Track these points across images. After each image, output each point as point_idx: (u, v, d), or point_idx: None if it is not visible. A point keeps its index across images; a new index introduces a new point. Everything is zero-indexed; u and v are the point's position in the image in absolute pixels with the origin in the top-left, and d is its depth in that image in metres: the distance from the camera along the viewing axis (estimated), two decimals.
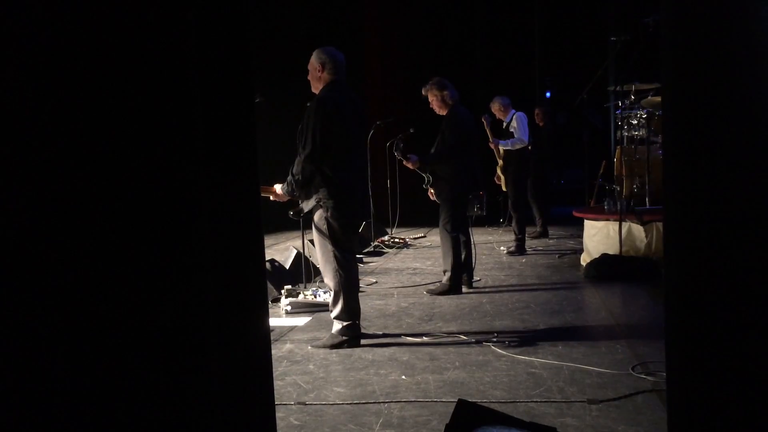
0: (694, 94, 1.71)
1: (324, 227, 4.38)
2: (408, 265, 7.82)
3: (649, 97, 7.64)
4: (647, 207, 7.36)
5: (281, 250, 7.81)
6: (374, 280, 6.85)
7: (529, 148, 8.65)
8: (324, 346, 4.42)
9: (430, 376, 3.79)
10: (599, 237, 7.15)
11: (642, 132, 7.60)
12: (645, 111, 7.55)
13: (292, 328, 5.02)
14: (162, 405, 1.67)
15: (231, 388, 1.81)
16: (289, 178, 4.38)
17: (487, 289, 6.24)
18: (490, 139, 8.43)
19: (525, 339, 4.48)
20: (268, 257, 6.42)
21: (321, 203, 4.35)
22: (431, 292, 6.08)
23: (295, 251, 6.78)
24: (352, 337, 4.43)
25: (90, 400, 1.63)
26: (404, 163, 6.16)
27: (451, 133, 6.01)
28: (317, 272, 6.13)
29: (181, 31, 1.66)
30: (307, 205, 4.46)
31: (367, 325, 4.80)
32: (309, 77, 4.53)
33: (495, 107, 8.58)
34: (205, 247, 1.71)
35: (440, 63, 11.25)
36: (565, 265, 7.48)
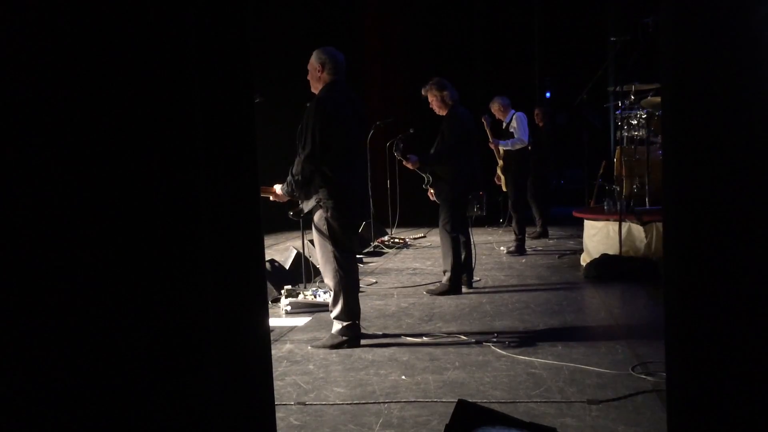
0: (694, 94, 1.71)
1: (324, 227, 4.37)
2: (408, 266, 7.82)
3: (649, 98, 7.64)
4: (647, 207, 7.36)
5: (281, 251, 7.81)
6: (374, 281, 6.85)
7: (529, 148, 8.64)
8: (324, 347, 4.41)
9: (430, 376, 3.79)
10: (599, 237, 7.15)
11: (642, 132, 7.60)
12: (645, 111, 7.55)
13: (292, 329, 5.02)
14: (162, 405, 1.67)
15: (231, 388, 1.81)
16: (289, 178, 4.38)
17: (487, 290, 6.24)
18: (490, 140, 8.43)
19: (525, 339, 4.48)
20: (268, 257, 6.42)
21: (321, 203, 4.35)
22: (431, 293, 6.08)
23: (294, 251, 6.78)
24: (352, 337, 4.43)
25: (90, 399, 1.62)
26: (404, 163, 6.16)
27: (450, 134, 6.01)
28: (317, 272, 6.12)
29: (181, 31, 1.66)
30: (307, 206, 4.46)
31: (367, 326, 4.80)
32: (309, 77, 4.53)
33: (495, 107, 8.58)
34: (205, 248, 1.71)
35: (440, 63, 11.25)
36: (565, 266, 7.48)
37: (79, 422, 1.63)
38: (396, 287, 6.51)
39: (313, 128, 4.24)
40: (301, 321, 5.23)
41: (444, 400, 3.37)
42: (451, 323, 5.00)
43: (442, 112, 6.13)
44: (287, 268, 6.49)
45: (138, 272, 1.64)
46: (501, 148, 8.49)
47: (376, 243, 9.20)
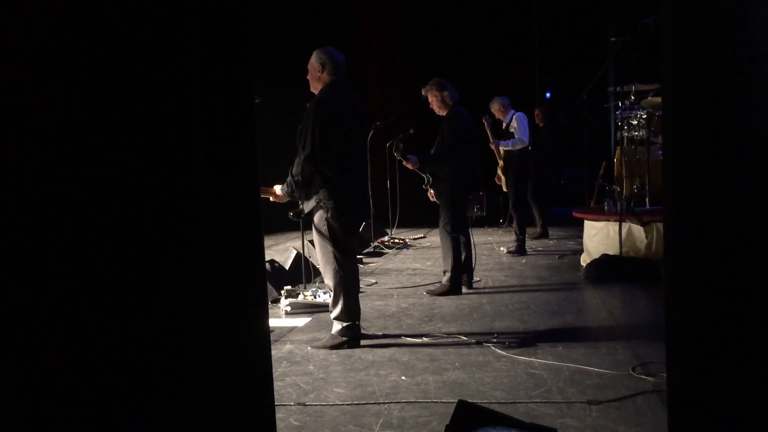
0: (694, 94, 1.71)
1: (324, 228, 4.37)
2: (408, 266, 7.82)
3: (649, 98, 7.64)
4: (647, 207, 7.36)
5: (281, 251, 7.81)
6: (374, 281, 6.85)
7: (529, 148, 8.64)
8: (324, 347, 4.41)
9: (430, 376, 3.79)
10: (599, 237, 7.15)
11: (642, 133, 7.60)
12: (645, 111, 7.55)
13: (291, 329, 5.02)
14: (162, 405, 1.67)
15: (231, 388, 1.81)
16: (289, 179, 4.38)
17: (487, 290, 6.24)
18: (491, 140, 8.43)
19: (525, 340, 4.47)
20: (267, 258, 6.42)
21: (321, 204, 4.35)
22: (431, 293, 6.08)
23: (294, 252, 6.78)
24: (351, 337, 4.43)
25: (90, 399, 1.62)
26: (404, 163, 6.16)
27: (450, 134, 6.01)
28: (317, 273, 6.12)
29: (181, 31, 1.66)
30: (307, 206, 4.46)
31: (367, 326, 4.80)
32: (308, 77, 4.53)
33: (495, 107, 8.58)
34: (205, 248, 1.71)
35: (440, 63, 11.25)
36: (565, 266, 7.47)
37: (79, 422, 1.62)
38: (396, 288, 6.51)
39: (312, 129, 4.24)
40: (301, 321, 5.23)
41: (444, 400, 3.37)
42: (451, 324, 5.00)
43: (442, 113, 6.13)
44: (287, 268, 6.48)
45: (138, 272, 1.64)
46: (501, 149, 8.48)
47: (376, 243, 9.20)
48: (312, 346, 4.47)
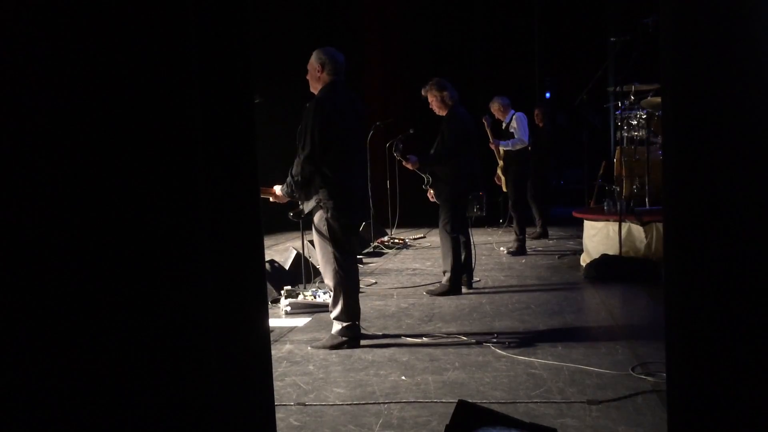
0: (694, 94, 1.71)
1: (324, 228, 4.37)
2: (408, 266, 7.82)
3: (649, 98, 7.64)
4: (647, 207, 7.36)
5: (281, 251, 7.81)
6: (374, 281, 6.85)
7: (529, 148, 8.64)
8: (324, 347, 4.41)
9: (430, 376, 3.79)
10: (599, 237, 7.15)
11: (642, 133, 7.60)
12: (645, 112, 7.55)
13: (291, 329, 5.02)
14: (162, 405, 1.67)
15: (231, 388, 1.81)
16: (289, 179, 4.38)
17: (486, 290, 6.24)
18: (491, 140, 8.42)
19: (525, 340, 4.47)
20: (267, 258, 6.42)
21: (321, 204, 4.35)
22: (431, 293, 6.08)
23: (294, 252, 6.78)
24: (351, 337, 4.43)
25: (90, 399, 1.62)
26: (404, 163, 6.16)
27: (450, 134, 6.01)
28: (317, 273, 6.12)
29: (181, 31, 1.66)
30: (307, 207, 4.45)
31: (366, 326, 4.80)
32: (308, 77, 4.53)
33: (494, 107, 8.57)
34: (205, 248, 1.71)
35: (440, 63, 11.24)
36: (565, 266, 7.47)
37: (79, 422, 1.62)
38: (396, 288, 6.51)
39: (312, 129, 4.24)
40: (300, 321, 5.23)
41: (444, 400, 3.37)
42: (451, 324, 5.00)
43: (442, 113, 6.12)
44: (287, 268, 6.49)
45: (138, 272, 1.64)
46: (501, 149, 8.48)
47: (375, 243, 9.20)
48: (312, 346, 4.47)
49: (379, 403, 3.37)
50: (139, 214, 1.63)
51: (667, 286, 1.86)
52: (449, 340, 4.54)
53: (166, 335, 1.66)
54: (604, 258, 6.72)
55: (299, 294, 5.73)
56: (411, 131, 7.73)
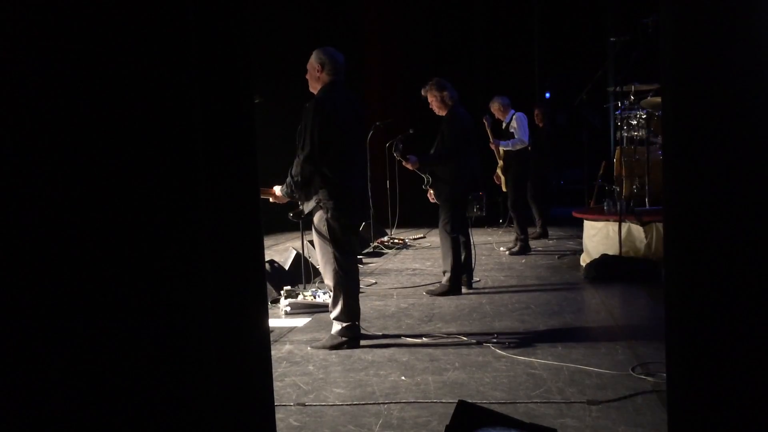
0: (694, 94, 1.71)
1: (324, 228, 4.37)
2: (407, 266, 7.82)
3: (649, 98, 7.63)
4: (647, 207, 7.36)
5: (281, 251, 7.81)
6: (374, 281, 6.85)
7: (529, 148, 8.64)
8: (323, 347, 4.41)
9: (430, 377, 3.79)
10: (599, 238, 7.15)
11: (641, 133, 7.60)
12: (644, 111, 7.54)
13: (291, 329, 5.02)
14: (162, 405, 1.67)
15: (231, 389, 1.81)
16: (289, 179, 4.38)
17: (486, 290, 6.24)
18: (491, 140, 8.42)
19: (525, 340, 4.47)
20: (267, 258, 6.42)
21: (321, 204, 4.35)
22: (431, 293, 6.08)
23: (294, 252, 6.78)
24: (351, 338, 4.43)
25: (90, 399, 1.62)
26: (404, 164, 6.15)
27: (450, 134, 6.00)
28: (316, 273, 6.12)
29: (180, 31, 1.65)
30: (307, 207, 4.45)
31: (366, 326, 4.80)
32: (307, 77, 4.52)
33: (494, 107, 8.57)
34: (205, 248, 1.71)
35: (440, 63, 11.24)
36: (565, 266, 7.47)
37: (79, 422, 1.62)
38: (396, 288, 6.51)
39: (311, 129, 4.24)
40: (300, 322, 5.23)
41: (444, 400, 3.37)
42: (451, 324, 4.99)
43: (442, 113, 6.12)
44: (287, 268, 6.48)
45: (138, 272, 1.64)
46: (501, 149, 8.48)
47: (375, 243, 9.19)
48: (312, 347, 4.47)
49: (378, 404, 3.37)
50: (140, 214, 1.63)
51: (667, 286, 1.86)
52: (449, 340, 4.54)
53: (166, 335, 1.66)
54: (604, 258, 6.72)
55: (299, 294, 5.73)
56: (411, 131, 7.72)
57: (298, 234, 7.04)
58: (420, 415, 3.21)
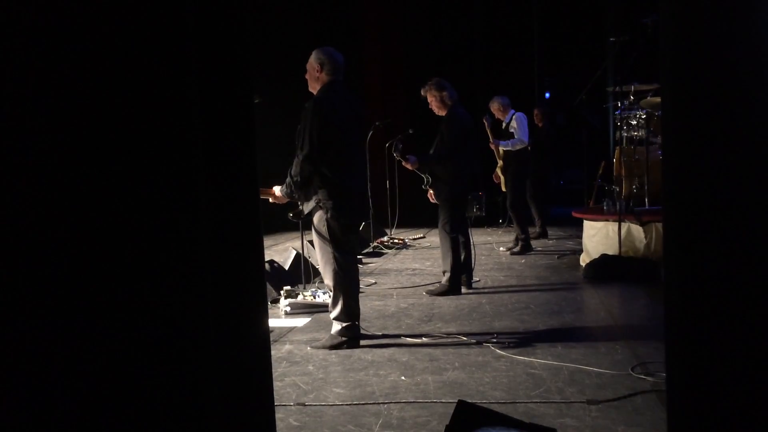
0: (693, 94, 1.71)
1: (323, 228, 4.37)
2: (407, 266, 7.82)
3: (648, 98, 7.64)
4: (646, 207, 7.36)
5: (280, 251, 7.81)
6: (373, 281, 6.85)
7: (528, 148, 8.64)
8: (323, 347, 4.41)
9: (430, 376, 3.79)
10: (598, 237, 7.15)
11: (641, 132, 7.60)
12: (644, 111, 7.55)
13: (291, 329, 5.02)
14: (162, 405, 1.67)
15: (231, 389, 1.81)
16: (288, 179, 4.38)
17: (486, 290, 6.24)
18: (491, 140, 8.43)
19: (524, 340, 4.48)
20: (267, 258, 6.42)
21: (320, 204, 4.35)
22: (430, 293, 6.08)
23: (294, 252, 6.78)
24: (351, 337, 4.43)
25: (91, 400, 1.62)
26: (403, 164, 6.16)
27: (449, 134, 6.00)
28: (316, 273, 6.12)
29: (180, 31, 1.66)
30: (306, 207, 4.45)
31: (366, 326, 4.80)
32: (307, 77, 4.52)
33: (494, 107, 8.57)
34: (205, 249, 1.71)
35: (440, 63, 11.24)
36: (565, 266, 7.47)
37: (79, 422, 1.62)
38: (395, 288, 6.51)
39: (311, 129, 4.24)
40: (300, 322, 5.23)
41: (444, 400, 3.37)
42: (451, 324, 5.00)
43: (442, 113, 6.12)
44: (286, 268, 6.49)
45: (138, 272, 1.64)
46: (501, 149, 8.49)
47: (375, 243, 9.19)
48: (311, 347, 4.47)
49: (378, 403, 3.38)
50: (140, 214, 1.63)
51: (667, 286, 1.86)
52: (449, 340, 4.54)
53: (166, 335, 1.66)
54: (604, 258, 6.72)
55: (299, 294, 5.73)
56: (410, 131, 7.73)
57: (298, 234, 7.04)
58: (420, 415, 3.21)
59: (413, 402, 3.38)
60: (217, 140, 1.79)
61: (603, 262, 6.65)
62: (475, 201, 6.17)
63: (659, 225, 6.51)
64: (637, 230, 6.83)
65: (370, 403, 3.38)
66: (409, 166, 6.11)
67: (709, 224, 1.70)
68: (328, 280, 4.44)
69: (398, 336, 4.68)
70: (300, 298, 5.65)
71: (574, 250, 8.35)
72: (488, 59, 12.70)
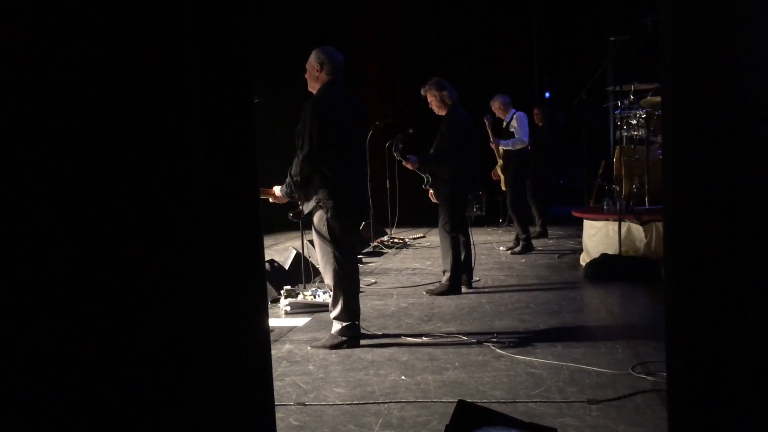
0: (694, 94, 1.71)
1: (324, 228, 4.37)
2: (407, 266, 7.82)
3: (648, 97, 7.64)
4: (646, 207, 7.36)
5: (280, 251, 7.81)
6: (373, 281, 6.85)
7: (529, 148, 8.64)
8: (323, 347, 4.41)
9: (430, 376, 3.79)
10: (598, 237, 7.15)
11: (641, 132, 7.60)
12: (644, 111, 7.55)
13: (291, 329, 5.02)
14: (162, 405, 1.67)
15: (231, 388, 1.81)
16: (288, 179, 4.38)
17: (486, 290, 6.24)
18: (491, 139, 8.43)
19: (524, 339, 4.48)
20: (267, 258, 6.42)
21: (320, 204, 4.35)
22: (431, 293, 6.08)
23: (294, 252, 6.78)
24: (351, 337, 4.43)
25: (90, 400, 1.62)
26: (403, 163, 6.16)
27: (449, 134, 6.01)
28: (316, 273, 6.13)
29: (180, 31, 1.66)
30: (306, 207, 4.46)
31: (366, 326, 4.80)
32: (306, 76, 4.53)
33: (495, 106, 8.57)
34: (205, 248, 1.71)
35: (440, 63, 11.24)
36: (565, 265, 7.48)
37: (79, 422, 1.62)
38: (395, 287, 6.51)
39: (310, 129, 4.24)
40: (300, 321, 5.23)
41: (444, 400, 3.37)
42: (451, 323, 5.00)
43: (442, 112, 6.13)
44: (287, 268, 6.49)
45: (138, 272, 1.64)
46: (501, 148, 8.49)
47: (375, 243, 9.19)
48: (311, 346, 4.47)
49: (378, 403, 3.38)
50: (139, 214, 1.63)
51: (667, 285, 1.86)
52: (449, 339, 4.54)
53: (166, 335, 1.66)
54: (604, 257, 6.72)
55: (299, 294, 5.73)
56: (410, 131, 7.73)
57: (298, 234, 7.04)
58: (420, 415, 3.21)
59: (413, 401, 3.38)
60: (217, 140, 1.79)
61: (603, 261, 6.65)
62: (476, 200, 6.17)
63: (659, 224, 6.52)
64: (638, 230, 6.84)
65: (371, 403, 3.39)
66: (409, 166, 6.12)
67: (710, 224, 1.70)
68: (329, 280, 4.45)
69: (398, 335, 4.68)
70: (300, 297, 5.65)
71: (574, 249, 8.35)
72: (488, 59, 12.70)
